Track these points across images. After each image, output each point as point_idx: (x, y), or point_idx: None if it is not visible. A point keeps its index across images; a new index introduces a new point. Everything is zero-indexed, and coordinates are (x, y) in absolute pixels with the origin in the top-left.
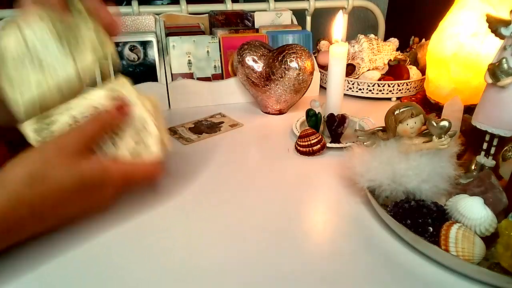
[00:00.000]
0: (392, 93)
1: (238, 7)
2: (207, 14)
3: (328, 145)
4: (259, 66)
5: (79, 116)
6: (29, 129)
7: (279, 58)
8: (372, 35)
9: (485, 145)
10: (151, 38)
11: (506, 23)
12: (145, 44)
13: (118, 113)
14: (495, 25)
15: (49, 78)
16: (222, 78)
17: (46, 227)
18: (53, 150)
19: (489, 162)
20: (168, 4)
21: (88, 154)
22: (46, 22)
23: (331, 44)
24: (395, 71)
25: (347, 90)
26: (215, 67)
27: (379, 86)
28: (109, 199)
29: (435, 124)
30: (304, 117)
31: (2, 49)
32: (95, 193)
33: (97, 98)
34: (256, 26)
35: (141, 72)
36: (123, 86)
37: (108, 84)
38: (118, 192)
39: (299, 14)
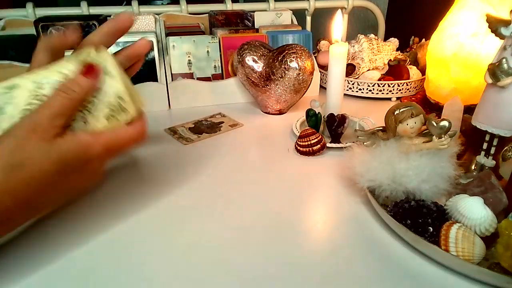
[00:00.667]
0: (392, 93)
1: (238, 7)
2: (207, 14)
3: (328, 145)
4: (259, 66)
5: (47, 86)
6: None
7: (279, 58)
8: (372, 35)
9: (485, 145)
10: (151, 38)
11: (506, 23)
12: None
13: (86, 81)
14: (495, 25)
15: None
16: (222, 78)
17: (38, 213)
18: (25, 134)
19: (489, 162)
20: (168, 4)
21: (63, 131)
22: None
23: (331, 44)
24: (395, 71)
25: (347, 90)
26: (215, 67)
27: (379, 86)
28: (97, 173)
29: (435, 124)
30: (304, 117)
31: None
32: (80, 171)
33: (69, 70)
34: (256, 26)
35: (141, 72)
36: (101, 56)
37: (83, 53)
38: (104, 164)
39: (299, 14)
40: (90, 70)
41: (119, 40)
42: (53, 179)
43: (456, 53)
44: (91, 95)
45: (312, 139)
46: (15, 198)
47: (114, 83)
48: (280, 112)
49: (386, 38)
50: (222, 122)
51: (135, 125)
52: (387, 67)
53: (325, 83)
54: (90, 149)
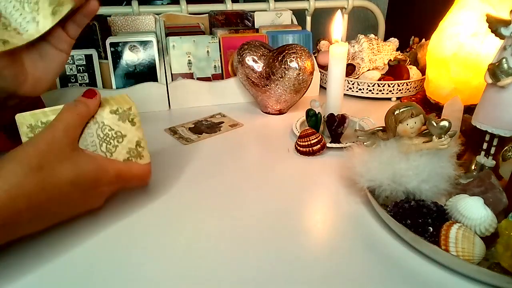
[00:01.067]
0: (392, 93)
1: (238, 7)
2: (207, 14)
3: (328, 145)
4: (259, 66)
5: None
6: (23, 125)
7: (279, 58)
8: (372, 35)
9: (485, 145)
10: (151, 38)
11: (506, 23)
12: (145, 44)
13: (87, 99)
14: (495, 25)
15: (13, 36)
16: (222, 78)
17: (43, 223)
18: (44, 142)
19: (489, 162)
20: (168, 4)
21: (81, 148)
22: None
23: (331, 44)
24: (395, 71)
25: (347, 90)
26: (215, 67)
27: (379, 86)
28: (102, 198)
29: (435, 124)
30: (304, 117)
31: None
32: (90, 190)
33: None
34: (256, 26)
35: (141, 72)
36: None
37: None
38: (111, 191)
39: (299, 14)
40: (91, 92)
41: (119, 40)
42: (65, 188)
43: (456, 53)
44: (95, 113)
45: (312, 139)
46: (29, 201)
47: (137, 132)
48: (280, 112)
49: (386, 38)
50: (222, 122)
51: (143, 165)
52: (387, 67)
53: (325, 83)
54: (103, 171)
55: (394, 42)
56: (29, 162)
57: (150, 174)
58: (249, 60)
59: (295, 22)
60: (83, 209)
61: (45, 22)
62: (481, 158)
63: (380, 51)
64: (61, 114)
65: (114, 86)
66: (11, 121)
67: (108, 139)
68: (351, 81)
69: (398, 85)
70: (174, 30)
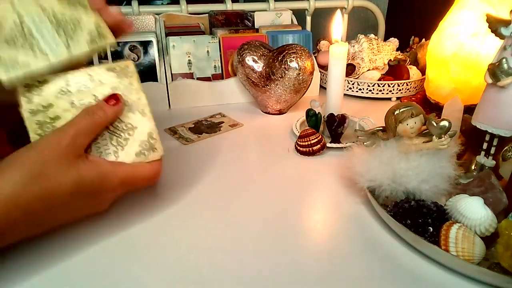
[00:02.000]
0: (392, 93)
1: (238, 7)
2: (207, 14)
3: (328, 145)
4: (259, 66)
5: (78, 104)
6: (30, 121)
7: (279, 58)
8: (372, 35)
9: (485, 145)
10: (151, 38)
11: (506, 23)
12: (145, 44)
13: (109, 108)
14: (495, 25)
15: (39, 59)
16: (222, 78)
17: (38, 231)
18: (49, 148)
19: (489, 162)
20: (168, 4)
21: (85, 154)
22: (45, 10)
23: (331, 44)
24: (395, 71)
25: (347, 90)
26: (215, 67)
27: (379, 86)
28: (106, 203)
29: (435, 124)
30: (304, 117)
31: None
32: (92, 198)
33: (98, 77)
34: (256, 26)
35: (141, 72)
36: (129, 68)
37: (113, 63)
38: (116, 197)
39: (299, 14)
40: (114, 98)
41: (119, 40)
42: (65, 198)
43: (456, 53)
44: (114, 122)
45: (312, 139)
46: (25, 211)
47: (147, 122)
48: (280, 112)
49: (386, 38)
50: (222, 122)
51: (152, 165)
52: (387, 67)
53: (325, 83)
54: (107, 179)
55: (394, 42)
56: (30, 168)
57: (159, 174)
58: (249, 60)
59: (295, 22)
60: (86, 213)
61: (79, 47)
62: (481, 158)
63: (380, 51)
64: (76, 118)
65: None
66: (15, 126)
67: (118, 132)
68: (351, 81)
69: (398, 85)
70: (174, 30)
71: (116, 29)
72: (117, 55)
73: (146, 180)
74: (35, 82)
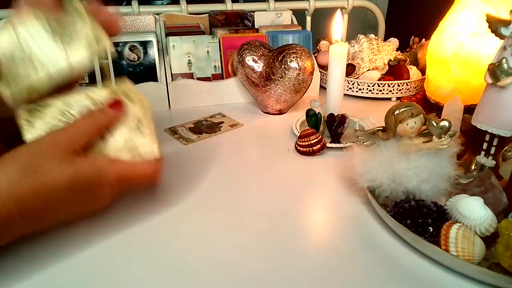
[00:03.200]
0: (392, 93)
1: (238, 7)
2: (207, 14)
3: (328, 145)
4: (259, 66)
5: (76, 115)
6: (26, 129)
7: (279, 58)
8: (372, 35)
9: (485, 145)
10: (151, 38)
11: (506, 23)
12: (145, 44)
13: (112, 112)
14: (495, 25)
15: (39, 70)
16: (222, 78)
17: (36, 228)
18: (47, 144)
19: (489, 162)
20: (168, 4)
21: (82, 152)
22: (40, 19)
23: (331, 44)
24: (395, 71)
25: (347, 90)
26: (215, 67)
27: (379, 86)
28: (104, 200)
29: (435, 124)
30: (304, 117)
31: None
32: (89, 193)
33: (98, 96)
34: (256, 26)
35: (141, 72)
36: (125, 86)
37: (111, 85)
38: (114, 193)
39: (299, 14)
40: (117, 104)
41: (119, 40)
42: (62, 194)
43: (456, 53)
44: (113, 126)
45: (312, 139)
46: (21, 205)
47: (133, 108)
48: (280, 112)
49: (386, 38)
50: (222, 122)
51: (151, 163)
52: (387, 67)
53: (325, 83)
54: (103, 173)
55: (394, 42)
56: (26, 163)
57: (159, 173)
58: (249, 60)
59: (295, 22)
60: (85, 210)
61: (77, 53)
62: (481, 158)
63: (380, 51)
64: (77, 119)
65: None
66: (13, 135)
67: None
68: (351, 81)
69: (398, 85)
70: (174, 30)
71: (107, 30)
72: (117, 55)
73: (144, 177)
74: (36, 106)
